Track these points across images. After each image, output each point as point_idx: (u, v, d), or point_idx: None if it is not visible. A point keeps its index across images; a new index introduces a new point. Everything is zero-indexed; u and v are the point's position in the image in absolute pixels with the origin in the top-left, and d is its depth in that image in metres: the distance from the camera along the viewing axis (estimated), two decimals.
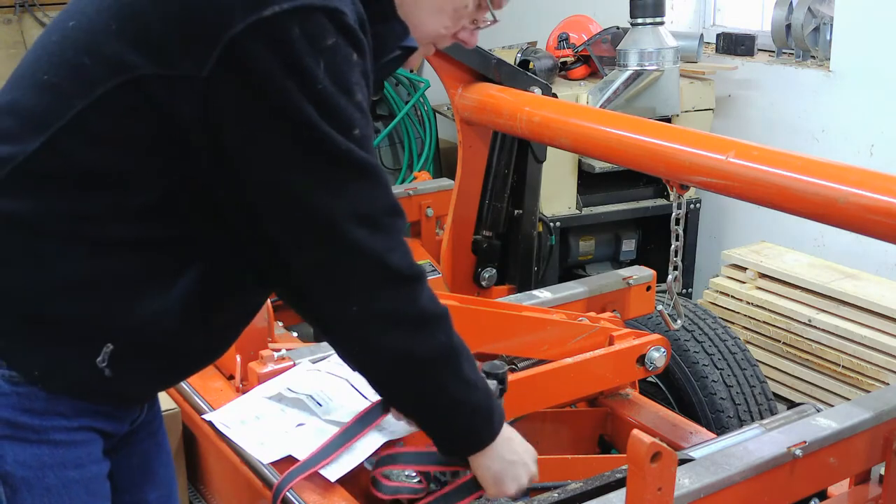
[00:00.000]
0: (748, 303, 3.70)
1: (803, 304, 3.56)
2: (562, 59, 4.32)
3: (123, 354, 1.26)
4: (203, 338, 1.36)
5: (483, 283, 2.78)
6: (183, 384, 2.03)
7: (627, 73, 3.82)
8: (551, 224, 3.99)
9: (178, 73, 1.13)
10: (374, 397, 1.83)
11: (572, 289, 2.33)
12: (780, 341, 3.62)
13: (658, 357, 2.09)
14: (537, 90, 2.58)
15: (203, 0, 1.12)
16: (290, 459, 1.66)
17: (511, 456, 1.47)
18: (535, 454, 1.52)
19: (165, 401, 2.03)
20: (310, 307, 1.30)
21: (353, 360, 1.36)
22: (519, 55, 4.14)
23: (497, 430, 1.45)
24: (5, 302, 1.24)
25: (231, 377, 2.04)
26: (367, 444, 1.68)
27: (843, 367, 3.42)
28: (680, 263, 2.16)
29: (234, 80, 1.13)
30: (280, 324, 2.36)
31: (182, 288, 1.26)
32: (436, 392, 1.37)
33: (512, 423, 1.67)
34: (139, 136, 1.18)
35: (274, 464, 1.67)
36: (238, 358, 1.99)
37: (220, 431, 1.79)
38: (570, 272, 4.15)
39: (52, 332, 1.24)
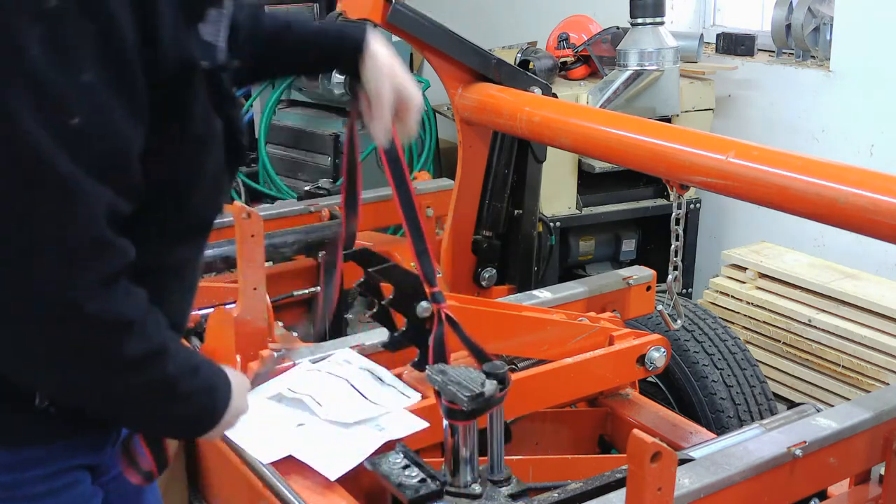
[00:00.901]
0: (748, 303, 3.71)
1: (803, 304, 3.56)
2: (562, 59, 4.32)
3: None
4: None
5: (483, 283, 2.78)
6: None
7: (627, 73, 3.82)
8: (551, 224, 3.99)
9: None
10: (375, 397, 1.83)
11: (572, 289, 2.33)
12: (780, 341, 3.63)
13: (658, 357, 2.09)
14: (537, 90, 2.58)
15: None
16: (290, 459, 1.67)
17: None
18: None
19: None
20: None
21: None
22: (519, 55, 4.14)
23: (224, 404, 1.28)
24: None
25: None
26: (367, 444, 1.68)
27: (843, 367, 3.42)
28: (680, 263, 2.16)
29: None
30: (280, 324, 2.36)
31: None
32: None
33: (512, 423, 1.68)
34: None
35: (274, 464, 1.67)
36: (238, 358, 1.99)
37: None
38: (570, 272, 4.15)
39: None
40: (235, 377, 1.33)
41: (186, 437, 1.40)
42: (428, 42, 2.46)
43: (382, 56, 1.56)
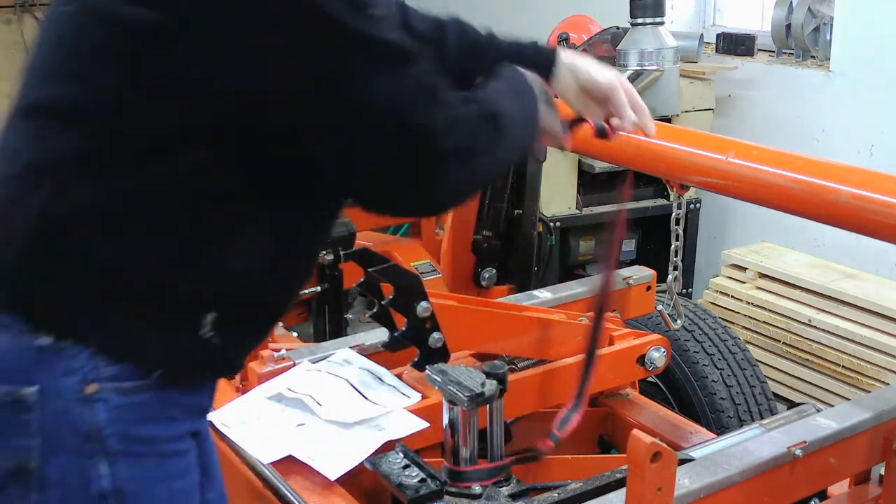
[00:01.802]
0: (748, 303, 3.71)
1: (803, 304, 3.56)
2: None
3: (225, 319, 1.25)
4: (285, 288, 1.37)
5: (483, 283, 2.78)
6: None
7: (627, 73, 3.82)
8: (551, 224, 3.99)
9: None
10: (375, 397, 1.83)
11: (572, 289, 2.33)
12: (780, 341, 3.63)
13: (658, 357, 2.09)
14: None
15: None
16: (290, 459, 1.67)
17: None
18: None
19: None
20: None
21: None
22: None
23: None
24: (116, 295, 1.20)
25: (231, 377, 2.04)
26: (368, 444, 1.68)
27: (843, 367, 3.42)
28: (680, 263, 2.16)
29: None
30: (280, 324, 2.36)
31: (261, 242, 1.26)
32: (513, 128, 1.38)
33: (512, 423, 1.68)
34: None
35: (274, 464, 1.67)
36: None
37: (220, 431, 1.79)
38: (570, 272, 4.15)
39: (157, 316, 1.22)
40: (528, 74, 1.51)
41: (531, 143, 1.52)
42: None
43: (570, 60, 1.63)
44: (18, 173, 1.19)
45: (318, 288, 2.88)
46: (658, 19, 3.85)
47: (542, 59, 1.63)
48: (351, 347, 2.01)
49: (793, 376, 3.61)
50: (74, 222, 1.17)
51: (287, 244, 1.29)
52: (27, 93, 1.26)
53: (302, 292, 1.48)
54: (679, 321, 2.29)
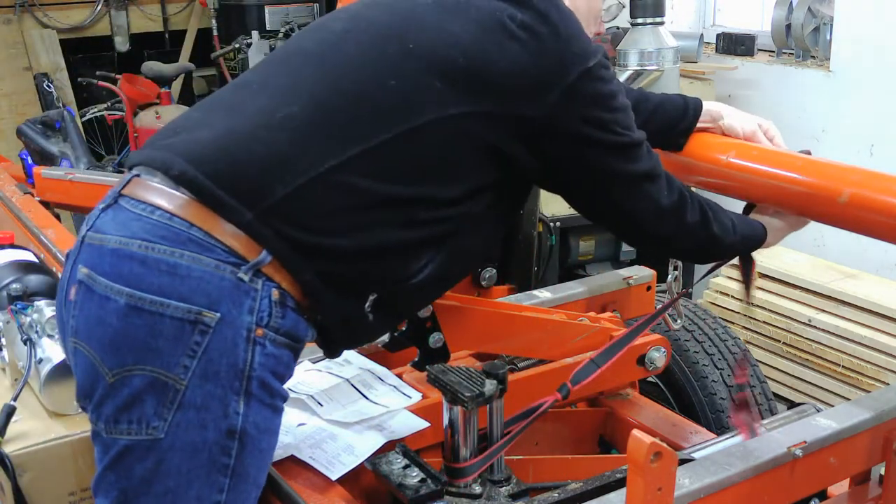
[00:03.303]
0: (748, 303, 3.70)
1: (803, 304, 3.56)
2: None
3: (382, 303, 1.43)
4: (435, 289, 1.58)
5: (483, 283, 2.77)
6: None
7: (627, 73, 3.82)
8: (551, 224, 3.99)
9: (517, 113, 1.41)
10: (375, 397, 1.83)
11: (572, 289, 2.33)
12: (780, 341, 3.63)
13: (658, 357, 2.09)
14: None
15: (551, 56, 1.41)
16: (290, 459, 1.67)
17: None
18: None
19: None
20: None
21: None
22: None
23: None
24: (332, 260, 1.35)
25: None
26: (368, 444, 1.68)
27: (843, 367, 3.42)
28: (680, 263, 2.16)
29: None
30: None
31: (440, 253, 1.45)
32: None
33: (512, 423, 1.67)
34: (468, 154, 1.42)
35: (274, 464, 1.67)
36: None
37: None
38: (570, 272, 4.15)
39: (346, 285, 1.39)
40: (772, 221, 1.81)
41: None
42: None
43: (715, 108, 1.91)
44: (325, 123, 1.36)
45: None
46: (658, 19, 3.85)
47: (690, 109, 1.88)
48: None
49: (793, 376, 3.61)
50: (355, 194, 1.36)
51: (451, 263, 1.49)
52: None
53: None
54: (679, 321, 2.29)
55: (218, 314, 1.27)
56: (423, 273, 1.44)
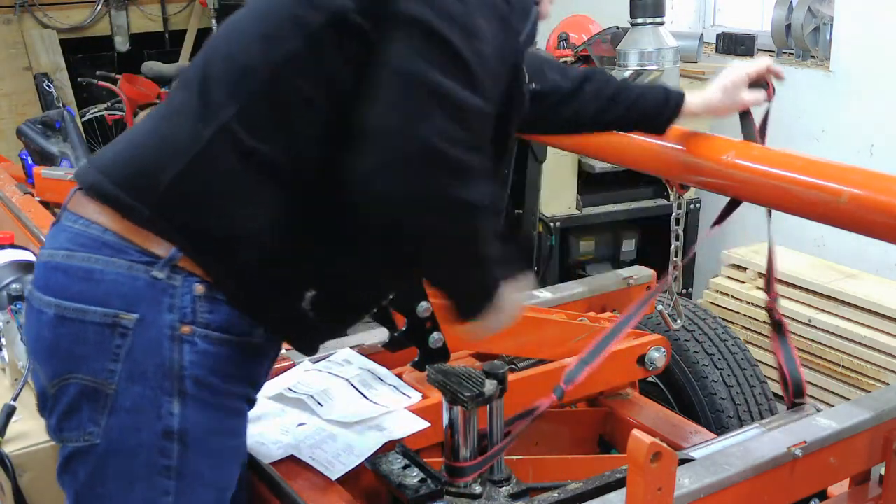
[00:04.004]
0: (748, 303, 3.70)
1: (803, 304, 3.56)
2: (562, 59, 4.32)
3: (323, 300, 1.36)
4: (375, 286, 1.48)
5: None
6: None
7: (627, 73, 3.82)
8: (551, 224, 3.99)
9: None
10: (375, 397, 1.83)
11: (572, 289, 2.33)
12: None
13: (658, 357, 2.09)
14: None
15: None
16: (290, 459, 1.67)
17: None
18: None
19: None
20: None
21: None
22: None
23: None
24: (242, 247, 1.29)
25: None
26: (368, 444, 1.68)
27: (843, 367, 3.42)
28: (680, 263, 2.15)
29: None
30: None
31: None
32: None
33: (512, 423, 1.67)
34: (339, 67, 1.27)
35: (274, 464, 1.67)
36: None
37: None
38: (570, 272, 4.15)
39: (276, 283, 1.32)
40: (514, 290, 1.45)
41: (471, 303, 1.45)
42: None
43: (700, 100, 1.83)
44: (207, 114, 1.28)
45: None
46: (658, 19, 3.85)
47: (672, 97, 1.79)
48: (351, 347, 2.01)
49: None
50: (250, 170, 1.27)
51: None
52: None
53: (390, 295, 1.60)
54: (679, 321, 2.29)
55: (136, 315, 1.26)
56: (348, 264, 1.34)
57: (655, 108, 1.80)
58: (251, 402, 1.41)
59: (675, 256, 2.14)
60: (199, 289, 1.28)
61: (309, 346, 1.49)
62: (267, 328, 1.35)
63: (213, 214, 1.28)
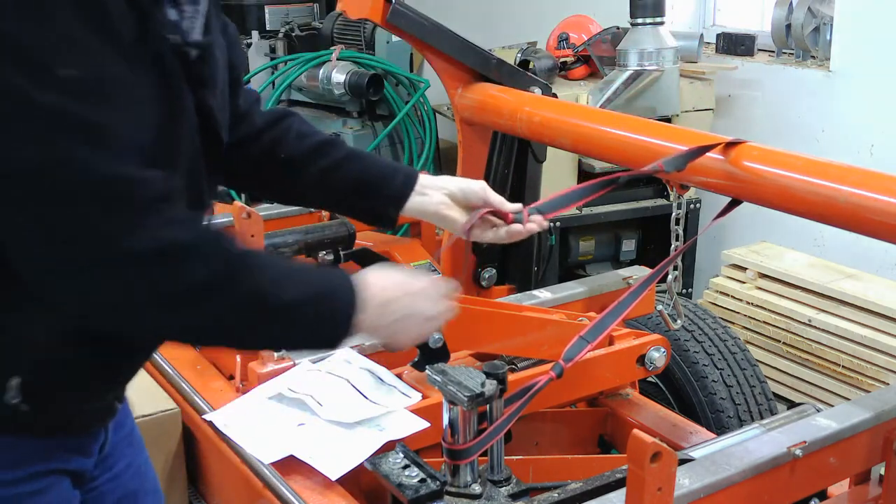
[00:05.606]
0: (748, 303, 3.70)
1: (803, 304, 3.56)
2: (562, 59, 4.32)
3: (34, 384, 1.17)
4: (88, 366, 1.23)
5: (483, 283, 2.78)
6: (183, 384, 2.03)
7: (627, 73, 3.82)
8: (551, 224, 3.98)
9: None
10: (376, 397, 1.83)
11: (572, 289, 2.33)
12: (780, 341, 3.62)
13: (658, 357, 2.09)
14: (537, 90, 2.58)
15: None
16: (290, 459, 1.67)
17: (390, 318, 1.32)
18: (436, 288, 1.38)
19: (165, 401, 2.03)
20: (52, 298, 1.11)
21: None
22: (519, 55, 4.14)
23: (348, 313, 1.23)
24: None
25: (231, 377, 2.04)
26: (368, 444, 1.68)
27: (843, 367, 3.42)
28: (680, 263, 2.15)
29: None
30: None
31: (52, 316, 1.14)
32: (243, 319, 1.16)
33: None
34: None
35: (274, 464, 1.67)
36: (238, 358, 1.99)
37: (220, 431, 1.79)
38: (570, 272, 4.15)
39: None
40: (379, 277, 1.27)
41: (321, 347, 1.33)
42: (428, 42, 2.46)
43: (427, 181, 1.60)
44: None
45: None
46: (658, 19, 3.85)
47: (400, 175, 1.58)
48: (351, 347, 2.01)
49: (793, 376, 3.61)
50: None
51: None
52: None
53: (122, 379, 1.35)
54: (679, 321, 2.29)
55: None
56: (51, 340, 1.15)
57: (377, 178, 1.58)
58: (64, 472, 1.25)
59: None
60: None
61: (85, 435, 1.28)
62: None
63: None
